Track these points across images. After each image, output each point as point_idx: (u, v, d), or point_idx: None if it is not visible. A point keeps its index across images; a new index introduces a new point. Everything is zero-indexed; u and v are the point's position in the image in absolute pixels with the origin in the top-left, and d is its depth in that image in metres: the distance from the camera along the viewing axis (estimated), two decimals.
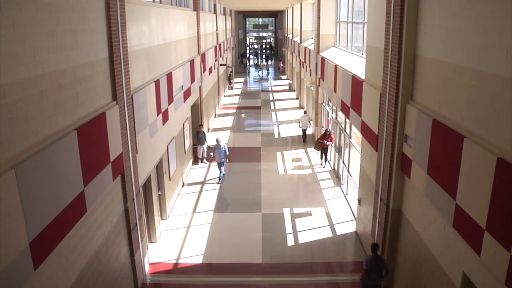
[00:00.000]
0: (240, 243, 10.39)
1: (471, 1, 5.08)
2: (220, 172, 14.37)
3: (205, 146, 16.18)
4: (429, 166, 6.03)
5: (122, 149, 7.47)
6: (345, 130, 13.45)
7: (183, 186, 14.01)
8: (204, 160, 16.33)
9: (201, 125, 16.92)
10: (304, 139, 19.29)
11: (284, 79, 39.03)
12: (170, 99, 11.35)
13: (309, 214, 11.94)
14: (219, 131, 21.21)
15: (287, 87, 34.57)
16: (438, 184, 5.72)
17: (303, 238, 10.54)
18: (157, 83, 9.91)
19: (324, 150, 15.41)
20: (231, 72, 35.19)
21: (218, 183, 14.17)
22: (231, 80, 34.71)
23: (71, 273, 5.60)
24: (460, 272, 5.28)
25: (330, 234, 10.78)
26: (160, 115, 10.30)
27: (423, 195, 6.36)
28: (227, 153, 14.40)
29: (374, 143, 8.61)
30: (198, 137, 15.97)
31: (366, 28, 10.34)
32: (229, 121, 23.40)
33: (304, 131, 19.30)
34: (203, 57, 17.70)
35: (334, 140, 15.27)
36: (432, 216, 6.17)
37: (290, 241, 10.49)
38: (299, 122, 19.71)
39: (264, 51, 59.29)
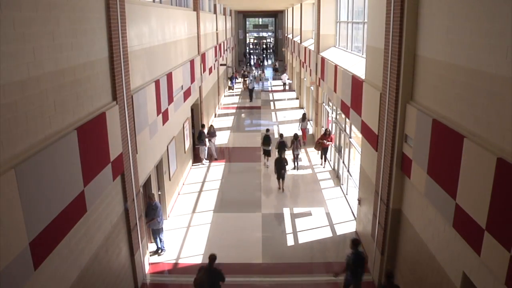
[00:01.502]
0: (240, 243, 10.38)
1: (471, 1, 5.08)
2: (161, 241, 9.87)
3: (206, 147, 16.30)
4: (429, 166, 6.03)
5: (122, 149, 7.47)
6: (345, 130, 13.45)
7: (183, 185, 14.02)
8: (203, 161, 16.35)
9: (203, 125, 16.97)
10: (284, 89, 33.81)
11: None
12: (170, 99, 11.35)
13: (309, 214, 11.94)
14: (219, 131, 21.20)
15: (287, 87, 34.56)
16: (438, 184, 5.72)
17: (303, 238, 10.54)
18: (157, 83, 9.91)
19: (324, 150, 15.42)
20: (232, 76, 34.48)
21: (159, 254, 9.85)
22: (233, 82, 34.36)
23: (71, 273, 5.60)
24: (460, 272, 5.28)
25: (330, 234, 10.78)
26: (160, 115, 10.30)
27: (423, 195, 6.36)
28: (161, 213, 9.49)
29: (374, 143, 8.61)
30: (201, 138, 16.07)
31: (366, 28, 10.34)
32: (229, 121, 23.39)
33: (284, 83, 34.78)
34: (203, 57, 17.70)
35: (334, 140, 15.27)
36: (432, 216, 6.17)
37: (290, 241, 10.49)
38: (281, 79, 35.32)
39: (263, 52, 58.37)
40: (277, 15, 51.81)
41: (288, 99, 29.55)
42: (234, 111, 26.05)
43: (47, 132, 4.96)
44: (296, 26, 29.28)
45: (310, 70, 19.82)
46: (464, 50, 5.19)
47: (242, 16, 52.08)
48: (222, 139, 19.73)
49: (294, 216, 11.77)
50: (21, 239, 4.27)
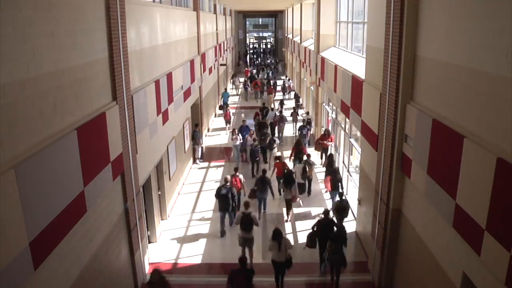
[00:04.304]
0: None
1: (471, 0, 5.08)
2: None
3: (201, 146, 16.41)
4: (429, 166, 6.03)
5: (122, 149, 7.47)
6: (345, 130, 13.45)
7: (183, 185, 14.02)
8: (197, 161, 16.37)
9: (196, 125, 16.82)
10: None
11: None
12: (170, 99, 11.35)
13: (309, 214, 11.93)
14: (219, 130, 21.21)
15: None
16: (438, 184, 5.72)
17: (303, 238, 10.52)
18: (157, 83, 9.91)
19: (324, 150, 15.42)
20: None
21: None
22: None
23: (71, 273, 5.60)
24: (460, 272, 5.28)
25: None
26: (160, 115, 10.30)
27: (423, 195, 6.36)
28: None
29: (374, 143, 8.61)
30: (196, 136, 16.07)
31: (366, 28, 10.34)
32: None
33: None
34: (203, 57, 17.70)
35: (334, 139, 15.28)
36: (432, 216, 6.17)
37: (290, 241, 10.47)
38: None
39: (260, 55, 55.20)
40: (277, 15, 51.77)
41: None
42: (234, 111, 26.03)
43: (47, 132, 4.96)
44: (296, 26, 29.28)
45: (310, 70, 19.82)
46: (464, 50, 5.19)
47: (242, 16, 52.06)
48: (222, 139, 19.73)
49: (294, 216, 11.76)
50: (21, 239, 4.27)
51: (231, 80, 33.68)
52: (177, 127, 13.18)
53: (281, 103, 22.82)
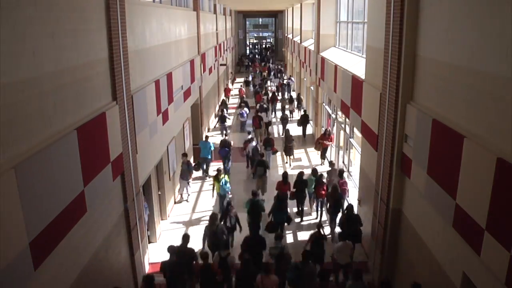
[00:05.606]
0: (240, 242, 10.35)
1: (471, 1, 5.08)
2: None
3: (189, 182, 12.84)
4: (429, 166, 6.03)
5: (122, 149, 7.47)
6: (345, 130, 13.45)
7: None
8: (188, 199, 12.92)
9: (185, 154, 12.77)
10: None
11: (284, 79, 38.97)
12: (170, 99, 11.35)
13: (309, 214, 11.93)
14: (219, 130, 21.17)
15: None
16: (438, 184, 5.72)
17: (303, 238, 10.53)
18: (157, 83, 9.91)
19: (324, 149, 15.43)
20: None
21: None
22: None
23: (71, 273, 5.60)
24: (460, 272, 5.28)
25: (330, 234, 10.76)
26: (160, 115, 10.30)
27: (423, 195, 6.36)
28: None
29: (374, 143, 8.61)
30: (182, 169, 12.55)
31: (366, 28, 10.34)
32: (229, 121, 23.34)
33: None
34: (203, 57, 17.70)
35: (334, 139, 15.29)
36: (432, 216, 6.17)
37: (290, 241, 10.48)
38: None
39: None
40: (277, 15, 51.73)
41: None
42: (234, 111, 26.01)
43: (47, 132, 4.96)
44: (296, 26, 29.29)
45: (310, 70, 19.82)
46: (464, 50, 5.18)
47: (242, 16, 52.04)
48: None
49: (294, 216, 11.75)
50: (21, 239, 4.27)
51: (219, 112, 21.34)
52: (177, 127, 13.18)
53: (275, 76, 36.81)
